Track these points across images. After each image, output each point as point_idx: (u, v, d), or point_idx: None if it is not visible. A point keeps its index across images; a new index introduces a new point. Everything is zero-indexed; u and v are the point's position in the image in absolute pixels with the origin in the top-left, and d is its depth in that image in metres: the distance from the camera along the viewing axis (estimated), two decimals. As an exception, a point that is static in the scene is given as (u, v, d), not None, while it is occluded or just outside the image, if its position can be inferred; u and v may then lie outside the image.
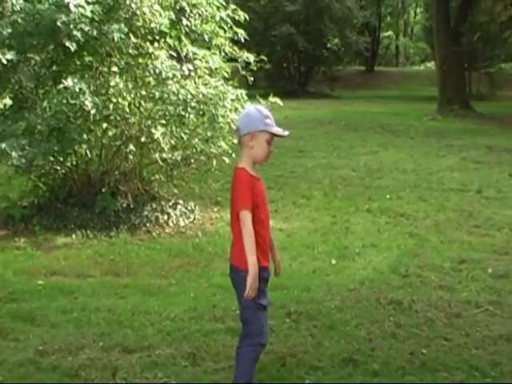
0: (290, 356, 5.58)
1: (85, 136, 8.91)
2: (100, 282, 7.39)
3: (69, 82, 8.25)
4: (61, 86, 8.36)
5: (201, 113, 9.01)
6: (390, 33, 60.11)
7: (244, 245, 4.48)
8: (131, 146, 9.00)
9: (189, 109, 8.77)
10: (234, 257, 4.74)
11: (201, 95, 8.75)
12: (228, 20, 9.94)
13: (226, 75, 9.70)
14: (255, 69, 9.81)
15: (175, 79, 8.68)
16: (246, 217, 4.48)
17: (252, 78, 9.85)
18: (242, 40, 10.04)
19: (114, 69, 8.97)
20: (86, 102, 8.25)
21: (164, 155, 9.18)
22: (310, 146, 17.64)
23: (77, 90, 8.21)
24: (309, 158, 15.85)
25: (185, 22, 9.41)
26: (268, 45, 31.60)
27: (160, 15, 8.86)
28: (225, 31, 10.00)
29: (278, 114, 10.08)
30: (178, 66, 8.78)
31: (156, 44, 9.25)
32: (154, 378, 5.18)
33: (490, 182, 13.38)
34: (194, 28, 9.59)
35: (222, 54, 10.01)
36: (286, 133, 4.63)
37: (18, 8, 8.36)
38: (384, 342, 5.97)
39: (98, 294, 7.00)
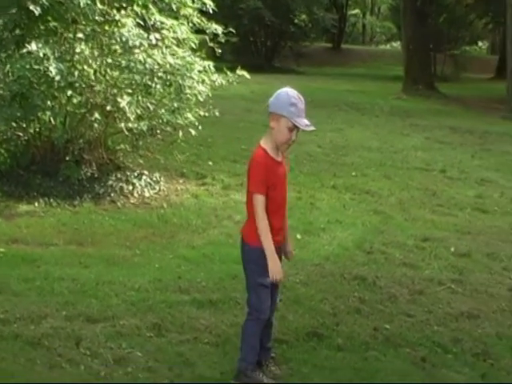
0: (254, 329, 5.56)
1: (48, 103, 8.73)
2: (63, 251, 7.30)
3: (32, 46, 8.05)
4: (24, 50, 8.16)
5: (168, 83, 8.91)
6: (357, 11, 60.06)
7: (258, 229, 4.53)
8: (96, 115, 8.84)
9: (155, 79, 8.67)
10: (244, 229, 4.79)
11: (168, 65, 8.65)
12: (196, -10, 9.82)
13: (194, 46, 9.57)
14: (223, 41, 9.70)
15: (142, 48, 8.56)
16: (258, 201, 4.53)
17: (220, 50, 9.74)
18: (211, 11, 9.91)
19: (80, 35, 8.78)
20: (51, 68, 8.05)
21: (130, 125, 9.06)
22: (275, 121, 17.56)
23: (41, 55, 8.03)
24: (274, 132, 15.78)
25: (152, -11, 9.27)
26: (235, 18, 31.27)
27: (127, -19, 8.72)
28: (193, 1, 9.84)
29: (245, 88, 10.08)
30: (145, 35, 8.66)
31: (123, 11, 9.06)
32: (119, 348, 5.13)
33: (454, 162, 13.48)
34: (161, -4, 9.46)
35: (190, 24, 9.86)
36: (311, 128, 4.57)
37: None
38: (348, 316, 6.00)
39: (61, 262, 6.90)
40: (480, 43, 51.77)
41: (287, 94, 4.59)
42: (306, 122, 4.58)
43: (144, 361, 4.97)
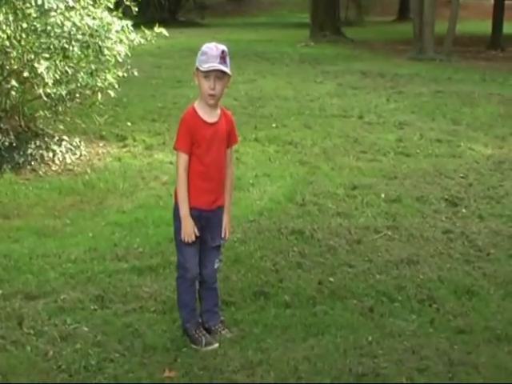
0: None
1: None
2: (-11, 226, 7.03)
3: None
4: None
5: (85, 45, 8.60)
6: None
7: (176, 188, 4.62)
8: (13, 82, 8.49)
9: (73, 42, 8.36)
10: (175, 189, 4.76)
11: (86, 27, 8.35)
12: None
13: (110, 6, 9.24)
14: (140, -1, 9.40)
15: (59, 11, 8.21)
16: (180, 159, 4.59)
17: (136, 9, 9.41)
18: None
19: (-9, 0, 8.39)
20: (-40, 36, 7.71)
21: (48, 90, 8.72)
22: (187, 76, 17.11)
23: None
24: (188, 87, 15.47)
25: None
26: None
27: None
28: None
29: (150, 44, 9.83)
30: (62, -3, 8.32)
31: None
32: (63, 324, 4.98)
33: (370, 107, 13.57)
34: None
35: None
36: (214, 67, 4.47)
37: None
38: (291, 272, 5.97)
39: (-12, 238, 6.65)
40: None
41: (206, 47, 4.54)
42: (212, 64, 4.49)
43: (92, 335, 4.83)
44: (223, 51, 4.51)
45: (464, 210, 7.71)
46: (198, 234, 4.63)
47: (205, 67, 4.49)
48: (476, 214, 7.58)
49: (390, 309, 5.38)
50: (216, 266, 4.93)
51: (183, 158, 4.57)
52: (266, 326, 5.03)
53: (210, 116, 4.66)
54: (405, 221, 7.33)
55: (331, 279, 5.85)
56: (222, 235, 4.86)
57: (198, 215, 4.64)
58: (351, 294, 5.60)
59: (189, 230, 4.58)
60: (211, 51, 4.50)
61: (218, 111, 4.71)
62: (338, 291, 5.64)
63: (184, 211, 4.58)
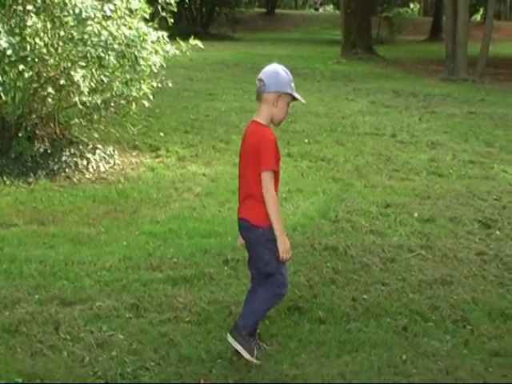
0: (234, 305, 5.49)
1: (-1, 78, 8.45)
2: (25, 232, 7.06)
3: (-19, 20, 7.77)
4: (-27, 25, 7.87)
5: (121, 55, 8.68)
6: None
7: (269, 210, 4.58)
8: (49, 89, 8.59)
9: (109, 51, 8.43)
10: (249, 213, 4.72)
11: (123, 37, 8.42)
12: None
13: (146, 16, 9.33)
14: (176, 10, 9.47)
15: (96, 20, 8.29)
16: (270, 179, 4.59)
17: (172, 20, 9.50)
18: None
19: (30, 7, 8.46)
20: (1, 42, 7.79)
21: (83, 98, 8.81)
22: (219, 89, 17.40)
23: (-10, 28, 7.76)
24: (220, 101, 15.64)
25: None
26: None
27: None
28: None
29: (183, 56, 9.89)
30: (99, 6, 8.38)
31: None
32: (99, 331, 5.01)
33: (402, 126, 13.55)
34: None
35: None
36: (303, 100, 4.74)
37: None
38: (325, 288, 5.97)
39: (24, 243, 6.69)
40: (411, 5, 52.20)
41: (284, 70, 4.70)
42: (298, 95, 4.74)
43: (127, 343, 4.85)
44: None
45: (498, 232, 7.67)
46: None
47: (295, 95, 4.69)
48: (510, 237, 7.54)
49: (423, 328, 5.37)
50: None
51: (272, 178, 4.60)
52: (301, 340, 5.04)
53: None
54: (438, 241, 7.30)
55: (365, 296, 5.84)
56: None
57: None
58: (385, 312, 5.59)
59: (287, 247, 4.62)
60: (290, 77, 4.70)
61: None
62: (372, 309, 5.63)
63: (282, 228, 4.64)
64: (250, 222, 4.69)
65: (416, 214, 8.08)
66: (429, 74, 23.07)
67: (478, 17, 45.01)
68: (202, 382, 4.45)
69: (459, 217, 8.06)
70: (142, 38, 8.75)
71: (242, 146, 4.81)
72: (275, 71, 4.69)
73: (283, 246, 4.60)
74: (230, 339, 4.76)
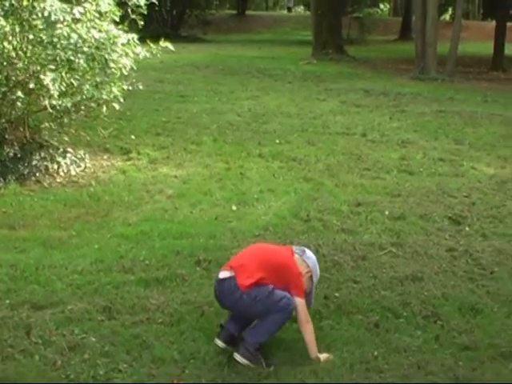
0: (206, 305, 5.52)
1: (-34, 82, 8.40)
2: (-5, 236, 7.04)
3: None
4: None
5: (91, 58, 8.64)
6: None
7: (308, 341, 4.93)
8: (19, 93, 8.54)
9: (79, 54, 8.39)
10: (242, 282, 4.88)
11: (92, 39, 8.39)
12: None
13: (116, 19, 9.29)
14: (146, 13, 9.45)
15: (65, 23, 8.25)
16: (306, 309, 4.98)
17: (142, 22, 9.47)
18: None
19: (-3, 11, 8.43)
20: (-33, 46, 7.75)
21: (54, 102, 8.75)
22: (190, 91, 17.35)
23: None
24: (191, 102, 15.60)
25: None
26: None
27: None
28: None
29: (153, 58, 9.88)
30: (68, 9, 8.34)
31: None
32: (71, 334, 5.01)
33: (373, 125, 13.59)
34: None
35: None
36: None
37: None
38: (296, 287, 5.98)
39: (-6, 248, 6.67)
40: (381, 5, 52.49)
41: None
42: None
43: (100, 346, 4.86)
44: None
45: (467, 229, 7.76)
46: None
47: (314, 280, 5.25)
48: (479, 233, 7.63)
49: (395, 324, 5.44)
50: None
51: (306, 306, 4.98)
52: (274, 339, 5.05)
53: None
54: (409, 238, 7.37)
55: (337, 294, 5.89)
56: None
57: None
58: (357, 310, 5.65)
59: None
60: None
61: None
62: (344, 306, 5.69)
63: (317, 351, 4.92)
64: (241, 289, 4.87)
65: (387, 212, 8.14)
66: (399, 74, 23.15)
67: (446, 16, 45.30)
68: (175, 382, 4.46)
69: (429, 214, 8.14)
70: (112, 41, 8.71)
71: None
72: (315, 260, 5.39)
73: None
74: (239, 358, 4.77)
